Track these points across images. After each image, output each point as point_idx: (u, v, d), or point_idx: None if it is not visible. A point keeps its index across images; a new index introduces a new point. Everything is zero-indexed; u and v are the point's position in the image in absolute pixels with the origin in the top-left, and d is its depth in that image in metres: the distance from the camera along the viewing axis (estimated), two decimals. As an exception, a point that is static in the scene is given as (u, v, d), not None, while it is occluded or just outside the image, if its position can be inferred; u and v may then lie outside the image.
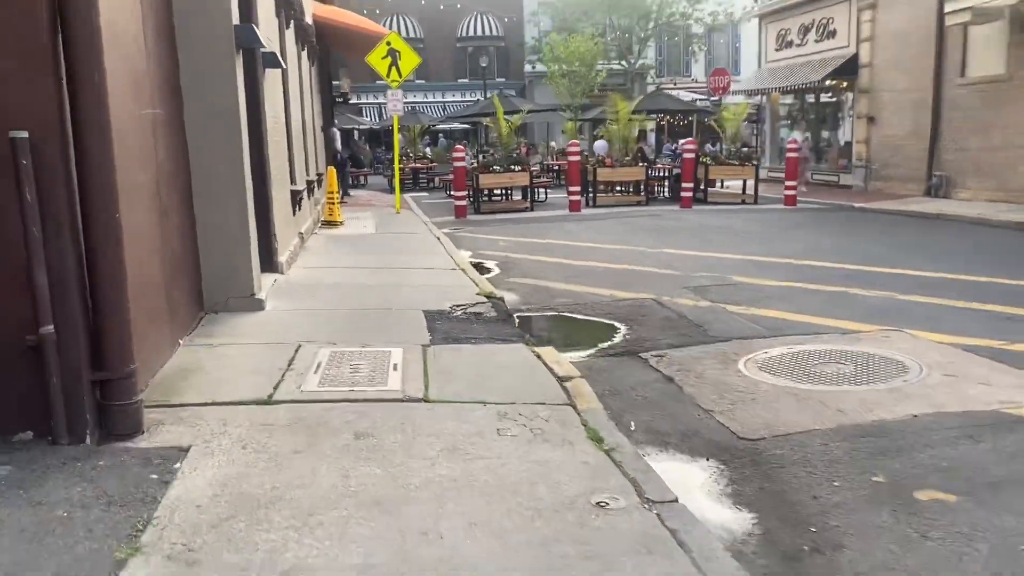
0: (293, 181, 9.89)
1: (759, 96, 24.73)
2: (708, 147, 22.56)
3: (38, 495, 3.08)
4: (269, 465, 3.40)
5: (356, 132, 34.37)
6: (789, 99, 24.15)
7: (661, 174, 19.97)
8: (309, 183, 11.87)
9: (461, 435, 3.75)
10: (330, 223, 13.31)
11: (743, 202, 17.91)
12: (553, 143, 33.47)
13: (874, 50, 19.20)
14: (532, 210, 16.94)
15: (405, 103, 20.92)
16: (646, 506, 3.06)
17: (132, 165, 4.25)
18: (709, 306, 7.23)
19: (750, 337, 6.10)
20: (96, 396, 3.58)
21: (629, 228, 13.52)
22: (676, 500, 3.14)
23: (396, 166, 16.92)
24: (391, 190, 19.04)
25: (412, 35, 39.34)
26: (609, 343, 6.15)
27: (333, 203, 13.42)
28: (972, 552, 2.96)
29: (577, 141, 19.28)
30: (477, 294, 7.25)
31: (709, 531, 3.05)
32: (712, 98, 25.61)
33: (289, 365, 4.85)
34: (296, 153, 10.34)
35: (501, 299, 7.16)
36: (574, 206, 16.40)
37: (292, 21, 10.73)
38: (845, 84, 20.57)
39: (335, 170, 14.37)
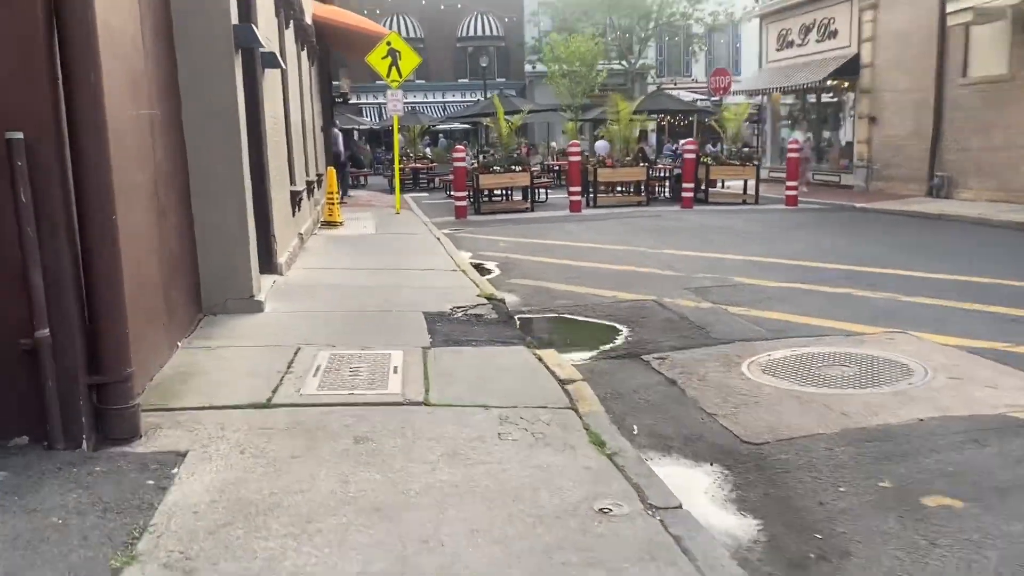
0: (292, 181, 9.85)
1: (760, 96, 24.70)
2: (709, 147, 22.55)
3: (33, 501, 3.04)
4: (267, 470, 3.36)
5: (356, 132, 34.34)
6: (790, 99, 24.13)
7: (662, 174, 19.96)
8: (309, 184, 11.83)
9: (462, 439, 3.71)
10: (330, 224, 13.28)
11: (744, 202, 17.89)
12: (553, 143, 33.45)
13: (875, 50, 19.16)
14: (532, 211, 16.90)
15: (405, 103, 20.90)
16: (649, 512, 3.01)
17: (129, 165, 4.21)
18: (711, 307, 7.19)
19: (752, 339, 6.06)
20: (92, 400, 3.54)
21: (630, 229, 13.47)
22: (680, 506, 3.10)
23: (396, 166, 16.89)
24: (391, 190, 19.01)
25: (412, 35, 39.35)
26: (611, 345, 6.11)
27: (333, 203, 13.39)
28: (982, 560, 2.92)
29: (578, 141, 19.27)
30: (478, 295, 7.21)
31: (714, 538, 3.00)
32: (713, 98, 25.55)
33: (288, 368, 4.81)
34: (296, 153, 10.31)
35: (502, 301, 7.12)
36: (575, 206, 16.36)
37: (292, 21, 10.69)
38: (846, 84, 20.53)
39: (335, 170, 14.34)
